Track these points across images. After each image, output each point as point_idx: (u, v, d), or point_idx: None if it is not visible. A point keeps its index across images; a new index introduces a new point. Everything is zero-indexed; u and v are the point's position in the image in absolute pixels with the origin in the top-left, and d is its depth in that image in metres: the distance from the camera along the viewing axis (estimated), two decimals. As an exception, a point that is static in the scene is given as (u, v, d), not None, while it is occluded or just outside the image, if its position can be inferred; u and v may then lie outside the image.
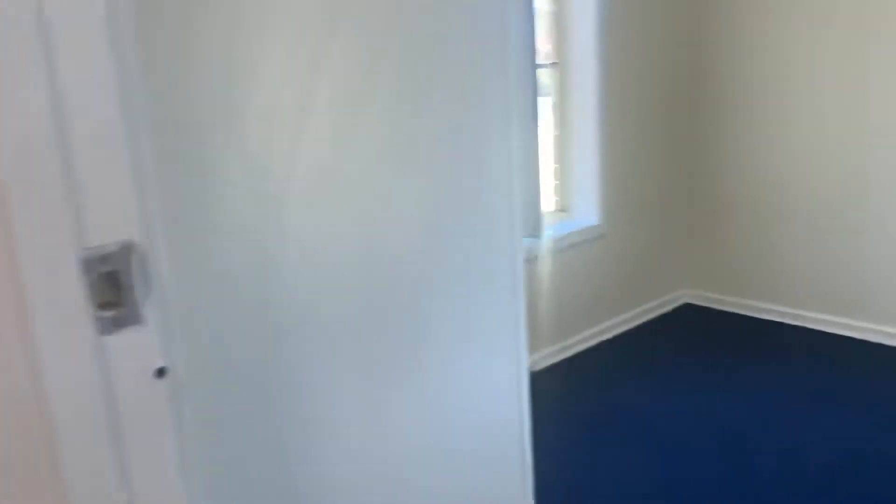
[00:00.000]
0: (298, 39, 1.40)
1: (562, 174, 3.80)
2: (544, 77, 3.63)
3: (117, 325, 0.95)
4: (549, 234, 3.56)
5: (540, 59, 3.54)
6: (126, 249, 0.95)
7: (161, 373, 1.02)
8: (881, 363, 3.44)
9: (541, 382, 3.42)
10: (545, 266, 3.54)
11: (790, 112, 3.72)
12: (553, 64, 3.64)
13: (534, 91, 3.34)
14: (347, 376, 1.58)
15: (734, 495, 2.50)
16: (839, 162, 3.62)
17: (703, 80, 4.01)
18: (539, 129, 3.45)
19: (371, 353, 1.61)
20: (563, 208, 3.84)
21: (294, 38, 1.39)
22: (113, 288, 0.94)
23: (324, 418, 1.56)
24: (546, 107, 3.70)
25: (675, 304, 4.29)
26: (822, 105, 3.61)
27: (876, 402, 3.08)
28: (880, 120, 3.45)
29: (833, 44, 3.52)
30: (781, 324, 3.93)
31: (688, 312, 4.21)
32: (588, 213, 3.77)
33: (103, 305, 0.93)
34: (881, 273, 3.58)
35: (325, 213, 1.49)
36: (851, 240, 3.64)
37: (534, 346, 3.35)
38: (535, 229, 3.40)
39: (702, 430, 2.92)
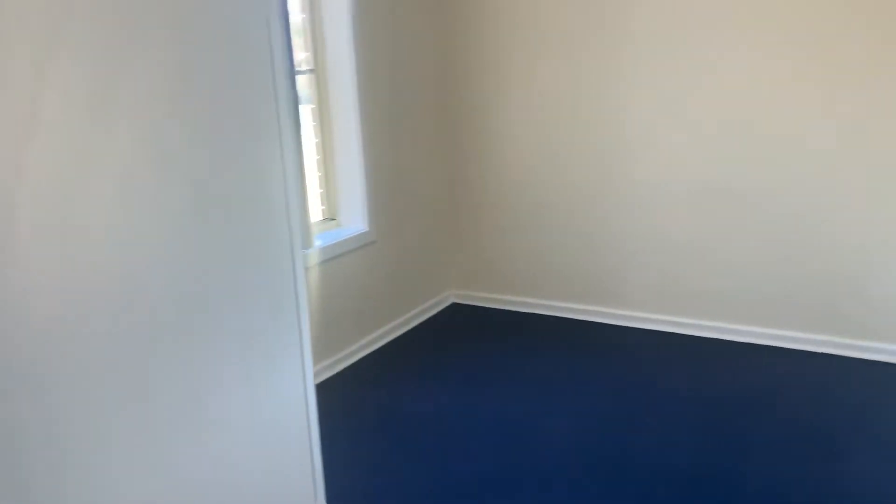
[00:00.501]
0: (17, 38, 1.21)
1: (327, 182, 3.75)
2: (303, 84, 3.56)
3: None
4: (318, 244, 3.50)
5: (298, 66, 3.47)
6: None
7: None
8: (638, 346, 3.82)
9: (321, 394, 3.34)
10: (316, 277, 3.47)
11: (536, 116, 4.01)
12: (311, 71, 3.58)
13: (294, 98, 3.26)
14: (109, 412, 1.41)
15: (517, 485, 2.62)
16: (584, 162, 3.96)
17: (457, 86, 4.18)
18: (301, 136, 3.38)
19: (136, 386, 1.45)
20: (331, 216, 3.79)
21: (12, 37, 1.20)
22: None
23: (82, 463, 1.37)
24: (307, 114, 3.63)
25: (444, 305, 4.43)
26: (565, 109, 3.93)
27: (641, 382, 3.40)
28: (618, 122, 3.83)
29: (573, 50, 3.84)
30: (544, 316, 4.22)
31: (456, 312, 4.36)
32: (356, 220, 3.76)
33: None
34: (629, 262, 3.98)
35: (68, 234, 1.31)
36: (600, 233, 4.01)
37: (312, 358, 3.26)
38: (304, 240, 3.31)
39: (480, 425, 3.03)
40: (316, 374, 3.45)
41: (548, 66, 3.90)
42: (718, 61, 3.50)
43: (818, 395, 3.17)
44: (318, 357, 3.48)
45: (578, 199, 4.01)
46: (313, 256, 3.43)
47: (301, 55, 3.54)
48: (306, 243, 3.35)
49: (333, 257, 3.55)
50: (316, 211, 3.74)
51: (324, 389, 3.42)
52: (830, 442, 2.80)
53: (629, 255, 3.95)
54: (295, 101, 3.27)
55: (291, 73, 3.28)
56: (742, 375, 3.38)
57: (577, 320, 4.14)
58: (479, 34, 4.04)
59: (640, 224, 3.88)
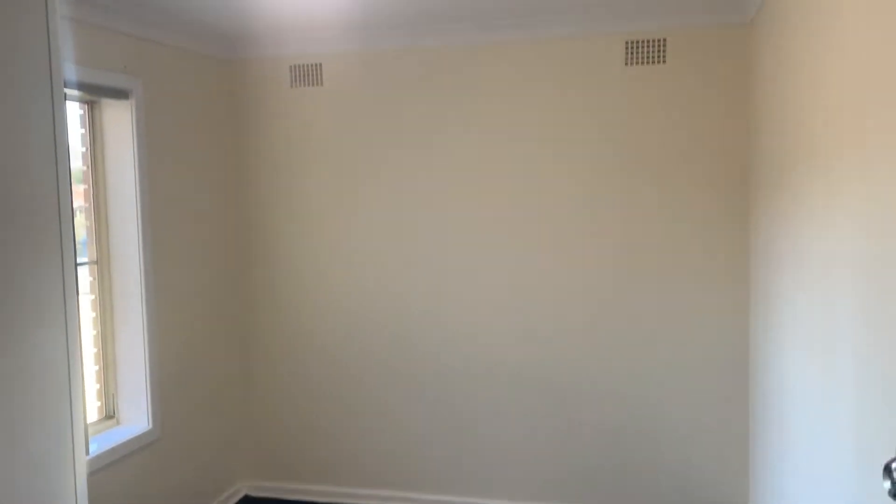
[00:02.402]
0: None
1: (106, 377, 3.49)
2: (84, 274, 3.36)
3: None
4: (93, 448, 3.19)
5: (80, 256, 3.29)
6: None
7: None
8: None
9: None
10: (89, 490, 3.13)
11: (327, 301, 4.07)
12: (93, 263, 3.40)
13: (73, 288, 3.05)
14: None
15: None
16: (371, 347, 4.04)
17: (249, 270, 4.16)
18: (77, 328, 3.14)
19: None
20: (109, 415, 3.49)
21: None
22: None
23: None
24: (85, 305, 3.41)
25: (236, 499, 4.16)
26: (354, 291, 4.04)
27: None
28: (402, 300, 3.98)
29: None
30: None
31: (248, 505, 4.11)
32: (138, 416, 3.49)
33: None
34: (420, 449, 4.02)
35: None
36: (386, 417, 4.04)
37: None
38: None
39: None
40: None
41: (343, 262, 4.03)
42: (486, 258, 3.83)
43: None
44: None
45: (360, 386, 4.05)
46: (84, 466, 3.11)
47: (84, 242, 3.37)
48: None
49: (111, 463, 3.24)
50: (91, 410, 3.43)
51: None
52: None
53: (419, 437, 4.01)
54: (74, 292, 3.06)
55: (74, 262, 3.09)
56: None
57: (375, 507, 4.06)
58: (271, 229, 4.11)
59: (430, 405, 3.98)
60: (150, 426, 3.49)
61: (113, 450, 3.26)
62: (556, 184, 3.72)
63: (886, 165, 1.67)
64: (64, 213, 1.69)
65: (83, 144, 3.39)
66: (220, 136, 4.04)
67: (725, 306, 3.57)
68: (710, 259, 3.58)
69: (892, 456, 1.55)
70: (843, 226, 2.04)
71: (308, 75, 4.00)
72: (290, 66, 4.02)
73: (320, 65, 3.98)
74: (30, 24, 1.56)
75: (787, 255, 2.72)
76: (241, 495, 4.21)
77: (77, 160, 3.37)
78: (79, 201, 3.37)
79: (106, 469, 3.22)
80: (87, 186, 3.40)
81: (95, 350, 3.46)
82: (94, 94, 3.27)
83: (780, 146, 2.82)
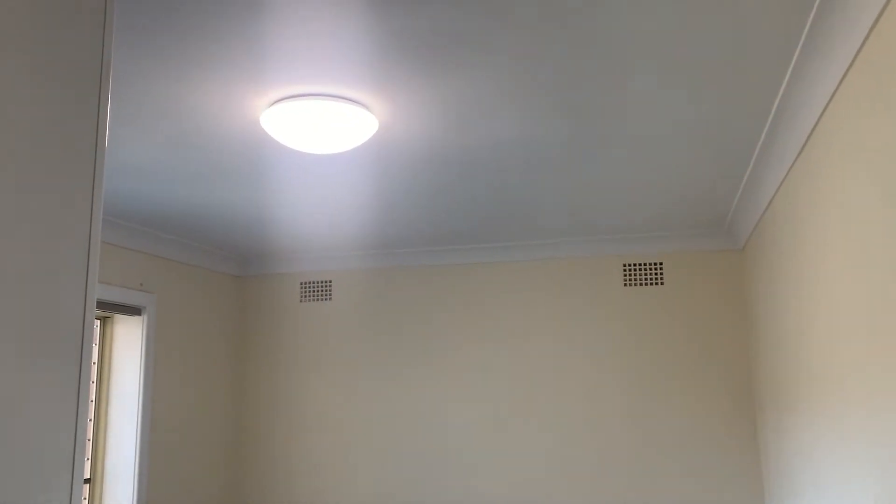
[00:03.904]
0: None
1: None
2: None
3: None
4: None
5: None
6: None
7: None
8: None
9: None
10: None
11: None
12: (85, 481, 3.31)
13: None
14: None
15: None
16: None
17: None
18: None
19: None
20: None
21: None
22: None
23: None
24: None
25: None
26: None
27: None
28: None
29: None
30: None
31: None
32: None
33: None
34: None
35: None
36: None
37: None
38: None
39: None
40: None
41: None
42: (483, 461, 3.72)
43: None
44: None
45: None
46: None
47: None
48: None
49: None
50: None
51: None
52: None
53: None
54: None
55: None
56: None
57: None
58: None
59: None
60: None
61: None
62: (558, 397, 3.69)
63: (886, 392, 1.68)
64: (80, 437, 1.66)
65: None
66: (228, 345, 4.09)
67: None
68: (720, 459, 3.46)
69: None
70: (854, 447, 2.00)
71: (317, 291, 4.13)
72: (301, 283, 4.16)
73: (330, 281, 4.12)
74: (70, 245, 1.64)
75: (801, 473, 2.63)
76: None
77: (83, 374, 3.39)
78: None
79: None
80: (91, 400, 3.39)
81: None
82: (108, 311, 3.36)
83: (782, 366, 2.84)
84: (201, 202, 3.02)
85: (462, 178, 2.74)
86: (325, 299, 4.11)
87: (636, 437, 3.58)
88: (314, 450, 3.98)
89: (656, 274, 3.68)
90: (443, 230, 3.55)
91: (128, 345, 3.48)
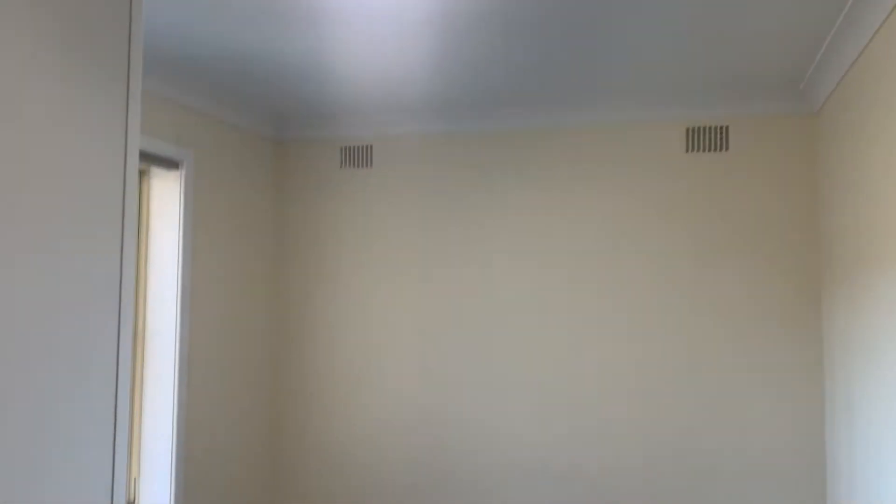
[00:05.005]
0: None
1: (128, 458, 3.27)
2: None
3: None
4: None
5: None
6: None
7: None
8: None
9: None
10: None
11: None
12: (128, 333, 3.27)
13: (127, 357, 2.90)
14: None
15: None
16: (404, 432, 3.79)
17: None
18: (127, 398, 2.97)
19: None
20: (129, 501, 3.26)
21: None
22: None
23: None
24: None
25: None
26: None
27: None
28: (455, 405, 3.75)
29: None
30: None
31: None
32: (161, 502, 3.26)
33: None
34: (454, 551, 3.69)
35: None
36: (426, 518, 3.74)
37: None
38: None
39: None
40: None
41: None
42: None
43: None
44: None
45: (399, 478, 3.77)
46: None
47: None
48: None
49: (126, 552, 2.98)
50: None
51: None
52: None
53: (463, 543, 3.68)
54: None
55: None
56: None
57: None
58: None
59: (475, 509, 3.68)
60: (171, 515, 3.24)
61: (130, 538, 3.01)
62: (616, 272, 3.55)
63: None
64: (126, 283, 1.55)
65: (129, 213, 3.33)
66: (267, 214, 3.97)
67: (800, 401, 3.30)
68: (781, 350, 3.33)
69: None
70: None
71: (358, 157, 3.95)
72: (341, 148, 3.98)
73: (371, 146, 3.93)
74: (111, 93, 1.48)
75: (866, 349, 2.48)
76: None
77: (121, 229, 3.29)
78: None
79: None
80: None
81: (121, 429, 3.26)
82: (145, 162, 3.22)
83: (853, 236, 2.64)
84: (245, 46, 2.82)
85: (525, 26, 2.49)
86: (367, 166, 3.94)
87: (696, 308, 3.44)
88: (356, 322, 3.91)
89: (722, 139, 3.45)
90: (494, 90, 3.32)
91: (165, 202, 3.37)
